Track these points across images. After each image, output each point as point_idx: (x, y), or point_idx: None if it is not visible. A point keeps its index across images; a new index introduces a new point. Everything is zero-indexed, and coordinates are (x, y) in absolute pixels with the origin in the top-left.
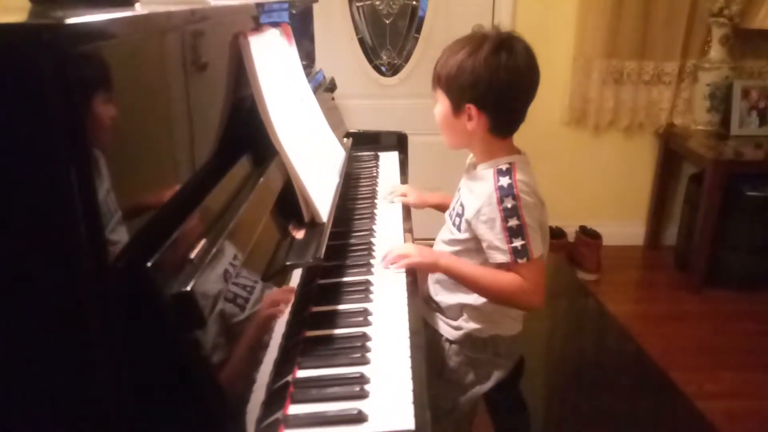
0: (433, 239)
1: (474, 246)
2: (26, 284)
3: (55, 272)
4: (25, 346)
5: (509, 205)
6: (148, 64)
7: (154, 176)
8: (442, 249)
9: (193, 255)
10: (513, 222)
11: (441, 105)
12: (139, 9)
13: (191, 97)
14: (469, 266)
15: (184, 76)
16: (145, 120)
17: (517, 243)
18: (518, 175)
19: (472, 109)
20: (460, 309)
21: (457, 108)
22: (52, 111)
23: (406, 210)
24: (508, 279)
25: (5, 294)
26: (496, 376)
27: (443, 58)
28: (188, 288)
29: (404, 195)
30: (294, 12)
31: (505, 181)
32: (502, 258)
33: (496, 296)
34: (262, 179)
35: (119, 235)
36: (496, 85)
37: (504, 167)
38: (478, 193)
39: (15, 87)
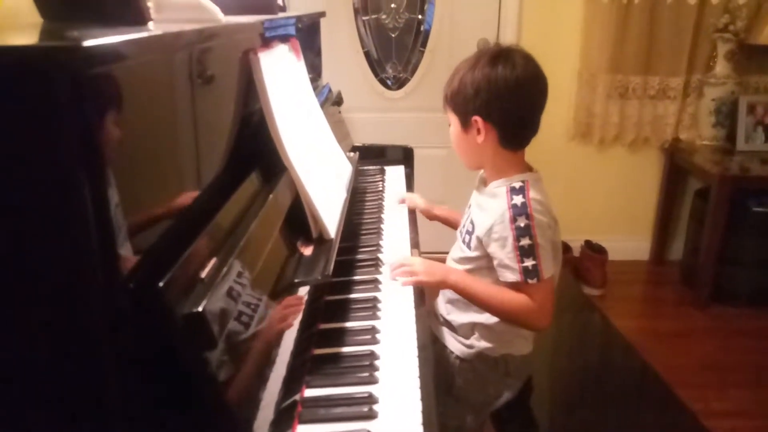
0: (441, 253)
1: (486, 264)
2: (38, 302)
3: (67, 291)
4: (37, 363)
5: (522, 225)
6: (161, 82)
7: (165, 194)
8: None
9: (203, 274)
10: (525, 241)
11: (452, 125)
12: (151, 27)
13: (202, 114)
14: (477, 284)
15: (195, 93)
16: (156, 138)
17: (528, 263)
18: (532, 194)
19: (478, 121)
20: (472, 328)
21: (465, 123)
22: (67, 130)
23: (414, 225)
24: (515, 299)
25: (17, 312)
26: (505, 395)
27: (450, 77)
28: (200, 308)
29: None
30: (301, 26)
31: (518, 199)
32: (512, 277)
33: (503, 315)
34: (271, 196)
35: (130, 254)
36: (496, 94)
37: (517, 185)
38: (490, 210)
39: (32, 106)
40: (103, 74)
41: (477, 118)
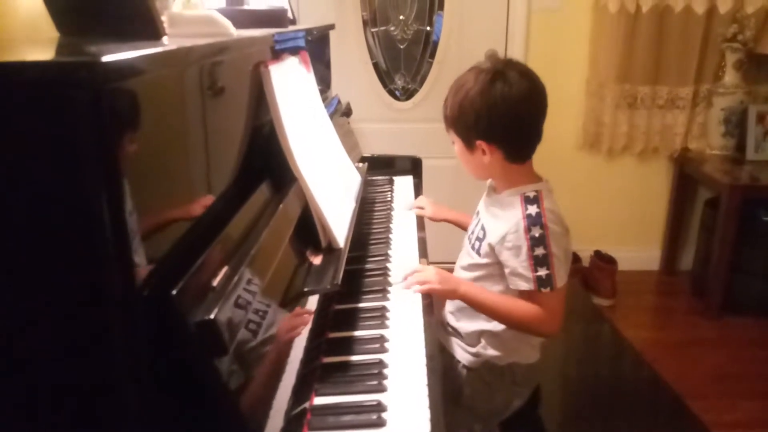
0: (450, 263)
1: (496, 271)
2: (55, 309)
3: (83, 299)
4: (52, 369)
5: (537, 234)
6: (175, 95)
7: (179, 203)
8: (461, 275)
9: (215, 282)
10: (539, 251)
11: (457, 144)
12: (166, 42)
13: (214, 125)
14: (486, 294)
15: (207, 105)
16: (170, 149)
17: (542, 272)
18: (546, 203)
19: (482, 144)
20: (479, 335)
21: (469, 145)
22: (86, 143)
23: (422, 234)
24: (525, 308)
25: (33, 319)
26: (513, 404)
27: (448, 98)
28: (212, 316)
29: (421, 208)
30: (311, 39)
31: (533, 209)
32: (525, 286)
33: (512, 324)
34: (281, 206)
35: (144, 263)
36: (497, 117)
37: (531, 194)
38: (503, 218)
39: (52, 119)
40: (120, 88)
41: (480, 142)
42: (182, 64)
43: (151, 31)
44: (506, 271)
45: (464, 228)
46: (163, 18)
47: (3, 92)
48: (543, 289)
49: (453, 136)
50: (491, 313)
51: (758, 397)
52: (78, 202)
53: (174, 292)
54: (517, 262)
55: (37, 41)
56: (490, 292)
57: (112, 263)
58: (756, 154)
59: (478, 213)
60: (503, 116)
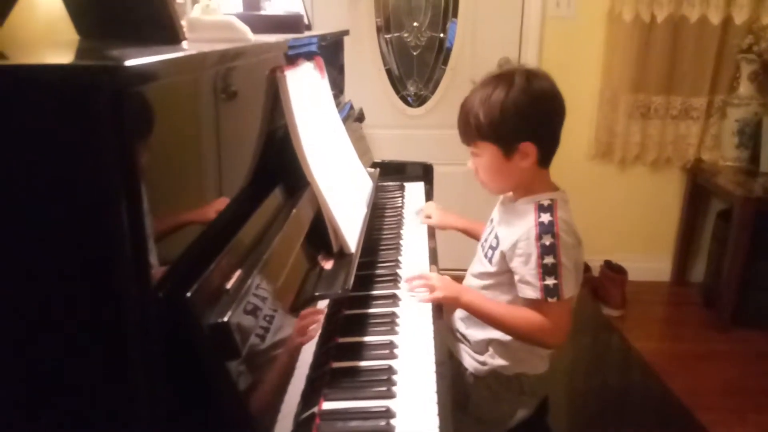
0: (460, 270)
1: (506, 280)
2: (71, 309)
3: (100, 298)
4: (66, 368)
5: (547, 243)
6: (193, 99)
7: (194, 206)
8: (471, 283)
9: (229, 285)
10: (549, 260)
11: (486, 156)
12: (185, 46)
13: (230, 129)
14: (490, 303)
15: (224, 109)
16: (187, 152)
17: (550, 281)
18: (559, 213)
19: (527, 146)
20: (487, 344)
21: (509, 151)
22: (106, 145)
23: (432, 241)
24: (529, 318)
25: (49, 319)
26: (520, 414)
27: (473, 110)
28: (225, 319)
29: (429, 217)
30: (325, 44)
31: (546, 217)
32: (532, 294)
33: (516, 334)
34: (294, 210)
35: (159, 265)
36: (541, 114)
37: (546, 203)
38: (516, 226)
39: (74, 122)
40: (141, 92)
41: (526, 144)
42: (201, 69)
43: (171, 35)
44: (516, 278)
45: (471, 236)
46: (183, 23)
47: (24, 94)
48: (550, 299)
49: (483, 148)
50: (495, 322)
51: None
52: (97, 204)
53: (188, 294)
54: (525, 269)
55: (56, 43)
56: (495, 302)
57: (129, 264)
58: None
59: (492, 221)
60: (546, 112)
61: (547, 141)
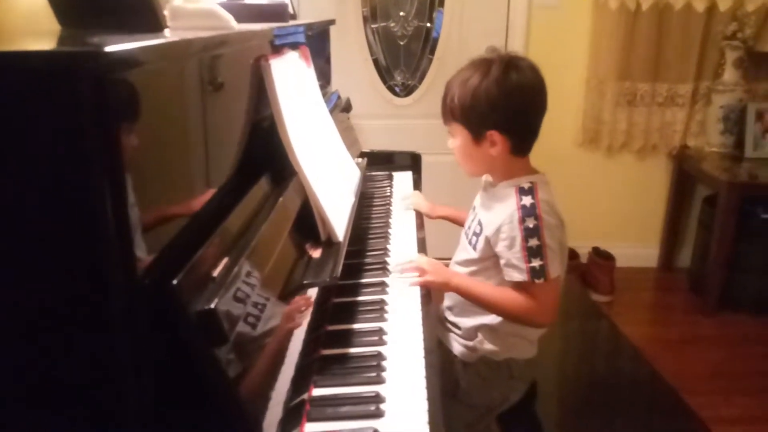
0: (448, 258)
1: (491, 265)
2: (55, 298)
3: (84, 288)
4: (51, 359)
5: (531, 225)
6: (176, 87)
7: (180, 195)
8: (456, 271)
9: (215, 273)
10: (533, 242)
11: (458, 137)
12: (168, 34)
13: (215, 118)
14: (479, 286)
15: (208, 97)
16: (171, 140)
17: (536, 263)
18: (540, 194)
19: (494, 134)
20: (477, 330)
21: (477, 137)
22: (88, 132)
23: (421, 229)
24: (518, 299)
25: (34, 309)
26: (510, 398)
27: (452, 90)
28: (212, 306)
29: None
30: (311, 34)
31: (527, 200)
32: (519, 277)
33: (506, 315)
34: (281, 199)
35: (145, 252)
36: (512, 107)
37: (526, 186)
38: (498, 211)
39: (55, 108)
40: (123, 79)
41: (493, 132)
42: (184, 56)
43: (153, 23)
44: (501, 262)
45: (461, 224)
46: (165, 11)
47: (5, 81)
48: (536, 280)
49: (456, 129)
50: (484, 304)
51: (755, 392)
52: (80, 191)
53: (175, 281)
54: (510, 253)
55: (38, 33)
56: (484, 284)
57: (114, 252)
58: (754, 151)
59: (474, 208)
60: (519, 105)
61: (519, 133)
